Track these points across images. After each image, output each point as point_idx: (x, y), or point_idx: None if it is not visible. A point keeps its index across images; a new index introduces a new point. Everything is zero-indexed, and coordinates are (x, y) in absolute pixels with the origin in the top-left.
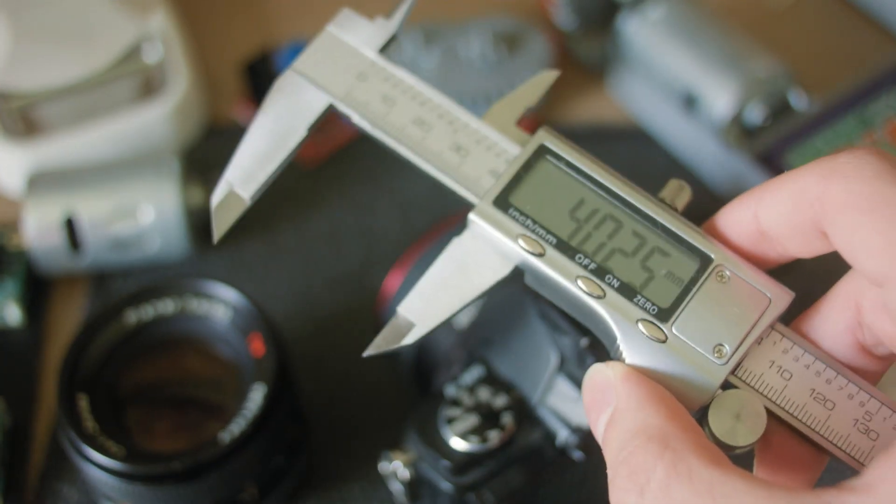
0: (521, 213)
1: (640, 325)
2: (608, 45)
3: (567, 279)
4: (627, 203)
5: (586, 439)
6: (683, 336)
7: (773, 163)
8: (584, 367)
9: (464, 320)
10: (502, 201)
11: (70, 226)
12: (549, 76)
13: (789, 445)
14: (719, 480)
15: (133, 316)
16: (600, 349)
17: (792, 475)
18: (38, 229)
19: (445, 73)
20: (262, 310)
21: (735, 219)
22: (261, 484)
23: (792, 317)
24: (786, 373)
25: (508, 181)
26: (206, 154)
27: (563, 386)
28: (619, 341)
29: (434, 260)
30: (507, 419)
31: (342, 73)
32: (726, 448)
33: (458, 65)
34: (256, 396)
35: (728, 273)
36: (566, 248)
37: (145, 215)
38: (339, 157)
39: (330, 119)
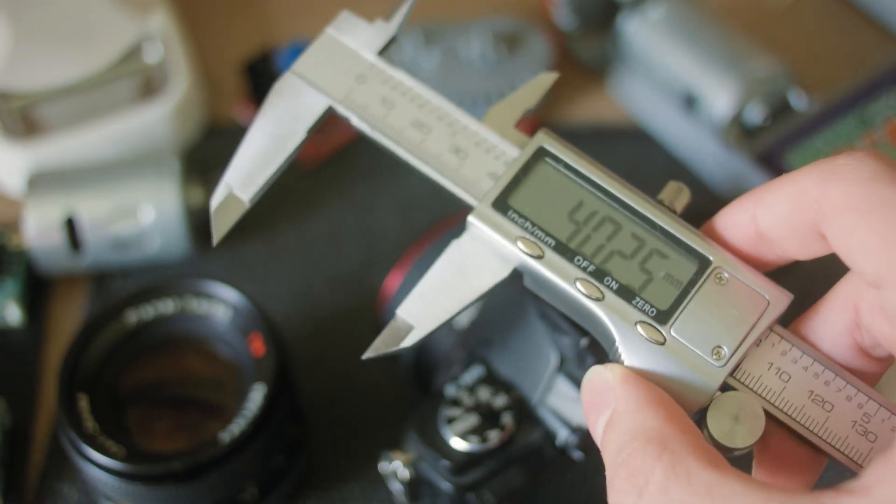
0: (520, 216)
1: (639, 328)
2: (608, 45)
3: (566, 281)
4: (626, 205)
5: (586, 439)
6: (682, 338)
7: (772, 163)
8: (583, 367)
9: (464, 320)
10: (501, 203)
11: (70, 226)
12: (548, 78)
13: (788, 447)
14: (717, 482)
15: (133, 316)
16: (600, 349)
17: (790, 477)
18: (39, 229)
19: (445, 74)
20: (262, 310)
21: (733, 221)
22: (261, 484)
23: (790, 319)
24: (784, 374)
25: (507, 183)
26: (206, 154)
27: (562, 386)
28: (617, 343)
29: (434, 261)
30: (507, 419)
31: (341, 76)
32: (725, 450)
33: (458, 65)
34: (256, 396)
35: (726, 275)
36: (565, 251)
37: (145, 215)
38: (339, 157)
39: (330, 119)
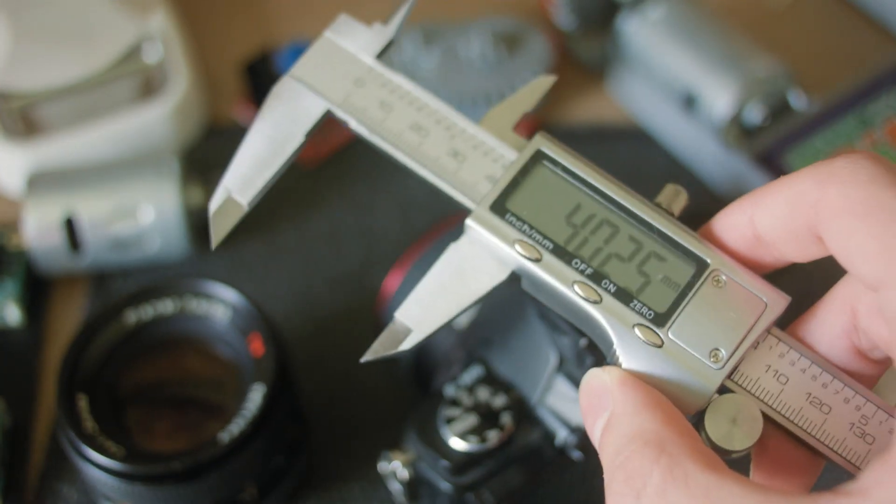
0: (518, 219)
1: (637, 330)
2: (608, 45)
3: (564, 284)
4: (624, 208)
5: (585, 439)
6: (680, 340)
7: (772, 163)
8: (583, 367)
9: (463, 320)
10: (499, 207)
11: (70, 226)
12: (546, 81)
13: (786, 449)
14: (715, 485)
15: (133, 316)
16: (599, 349)
17: (788, 479)
18: (38, 229)
19: (445, 74)
20: (262, 310)
21: (731, 223)
22: (261, 484)
23: (788, 321)
24: (782, 377)
25: (505, 186)
26: (206, 154)
27: (562, 386)
28: (615, 346)
29: (433, 261)
30: (507, 419)
31: (340, 79)
32: (723, 452)
33: (457, 65)
34: (256, 396)
35: (724, 277)
36: (563, 254)
37: (145, 215)
38: (339, 157)
39: (330, 120)
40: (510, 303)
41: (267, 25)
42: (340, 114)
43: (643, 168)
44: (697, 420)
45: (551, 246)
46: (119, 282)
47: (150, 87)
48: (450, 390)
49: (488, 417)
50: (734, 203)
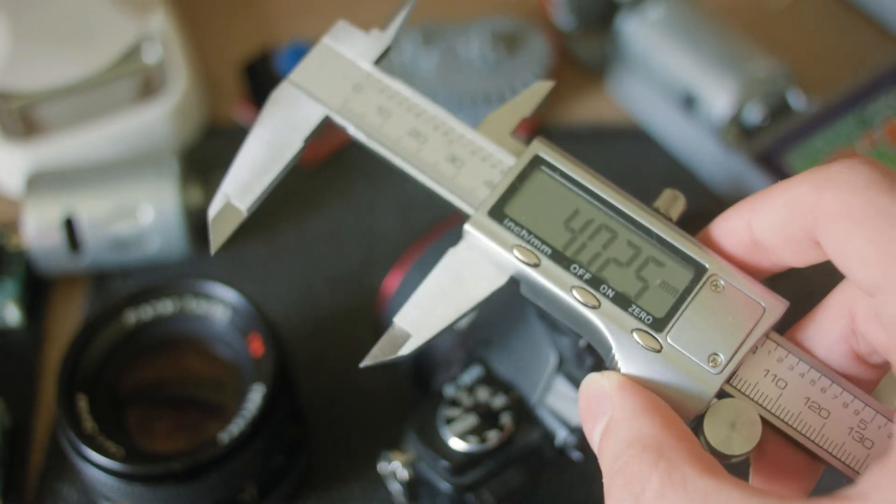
0: (517, 224)
1: (635, 335)
2: (607, 45)
3: (562, 289)
4: (622, 213)
5: (585, 439)
6: (678, 345)
7: (772, 163)
8: (582, 368)
9: (463, 321)
10: (497, 212)
11: (70, 226)
12: (544, 86)
13: (785, 454)
14: (714, 489)
15: (132, 316)
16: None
17: (787, 484)
18: (38, 229)
19: (445, 74)
20: (262, 310)
21: (729, 228)
22: (261, 484)
23: (787, 326)
24: (781, 382)
25: (503, 192)
26: (205, 154)
27: (561, 386)
28: (614, 351)
29: (433, 261)
30: (506, 419)
31: (338, 85)
32: (722, 457)
33: (457, 65)
34: (255, 397)
35: (722, 282)
36: (561, 259)
37: (145, 215)
38: (339, 157)
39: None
40: (510, 303)
41: (267, 25)
42: (339, 120)
43: (643, 168)
44: (696, 425)
45: (550, 251)
46: (119, 282)
47: (149, 87)
48: (449, 390)
49: (488, 418)
50: (732, 208)
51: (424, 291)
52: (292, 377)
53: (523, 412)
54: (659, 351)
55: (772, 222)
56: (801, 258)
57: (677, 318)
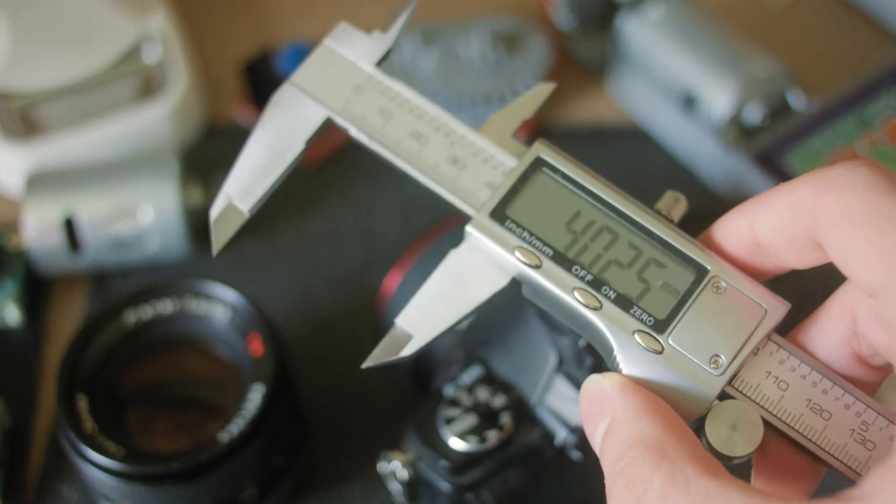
0: (518, 226)
1: (637, 336)
2: (607, 45)
3: (564, 291)
4: (623, 215)
5: (585, 439)
6: (680, 347)
7: (771, 163)
8: (582, 367)
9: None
10: (499, 213)
11: (70, 226)
12: (545, 88)
13: (786, 456)
14: (716, 490)
15: (132, 316)
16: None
17: (789, 485)
18: (38, 229)
19: (445, 74)
20: (261, 310)
21: (731, 230)
22: (260, 484)
23: (788, 328)
24: (782, 383)
25: (505, 193)
26: (205, 154)
27: (561, 386)
28: (615, 352)
29: (433, 262)
30: (506, 419)
31: (340, 87)
32: (723, 458)
33: (457, 65)
34: (255, 397)
35: (724, 284)
36: (563, 260)
37: (144, 215)
38: (339, 158)
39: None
40: (510, 303)
41: (267, 25)
42: (340, 121)
43: (643, 168)
44: (698, 426)
45: (551, 253)
46: (119, 282)
47: (149, 87)
48: (449, 390)
49: (488, 417)
50: (733, 210)
51: (426, 293)
52: (292, 377)
53: (523, 412)
54: (660, 352)
55: (773, 224)
56: (802, 260)
57: (679, 320)
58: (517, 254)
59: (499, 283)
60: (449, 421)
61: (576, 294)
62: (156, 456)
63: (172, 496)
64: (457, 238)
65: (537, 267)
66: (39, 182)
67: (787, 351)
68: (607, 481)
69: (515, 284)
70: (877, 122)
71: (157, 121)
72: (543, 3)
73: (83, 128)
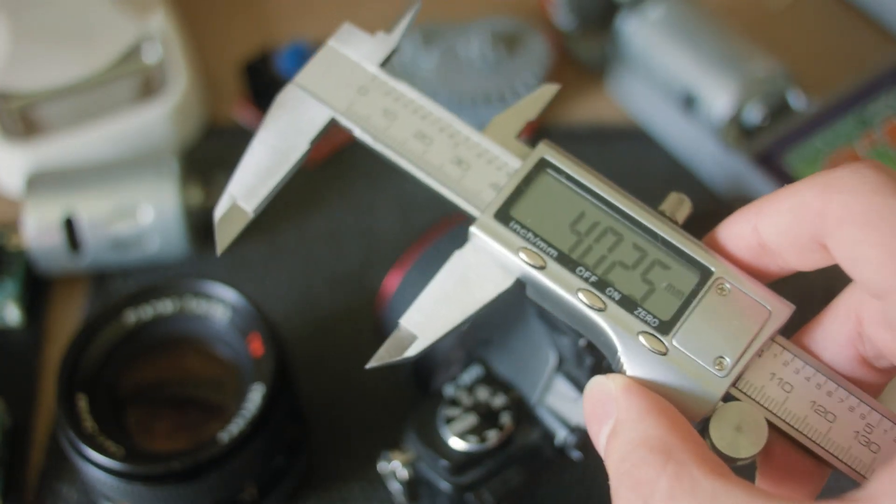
0: (522, 227)
1: (641, 338)
2: (607, 45)
3: (568, 292)
4: (628, 216)
5: (585, 439)
6: (684, 348)
7: (771, 163)
8: (582, 367)
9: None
10: (503, 214)
11: (70, 226)
12: (549, 90)
13: (791, 457)
14: (723, 491)
15: (132, 316)
16: (598, 349)
17: (794, 487)
18: (38, 229)
19: (445, 74)
20: (261, 310)
21: (735, 232)
22: (261, 484)
23: (793, 330)
24: (787, 385)
25: (509, 194)
26: (205, 154)
27: (561, 386)
28: (619, 353)
29: (433, 262)
30: (506, 419)
31: (344, 88)
32: (728, 460)
33: (457, 65)
34: (255, 396)
35: (728, 286)
36: (567, 261)
37: (144, 215)
38: (339, 157)
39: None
40: (510, 303)
41: (267, 25)
42: (345, 122)
43: (643, 168)
44: (702, 428)
45: (556, 254)
46: (119, 282)
47: (149, 87)
48: (449, 390)
49: (488, 417)
50: (738, 212)
51: (430, 294)
52: (292, 377)
53: (523, 412)
54: (665, 354)
55: (778, 226)
56: (807, 262)
57: (683, 321)
58: (521, 255)
59: (503, 284)
60: (449, 421)
61: (580, 295)
62: (156, 456)
63: (172, 496)
64: (457, 238)
65: (542, 268)
66: (39, 182)
67: (791, 353)
68: (612, 482)
69: (519, 285)
70: (877, 122)
71: (157, 121)
72: (543, 3)
73: (83, 128)
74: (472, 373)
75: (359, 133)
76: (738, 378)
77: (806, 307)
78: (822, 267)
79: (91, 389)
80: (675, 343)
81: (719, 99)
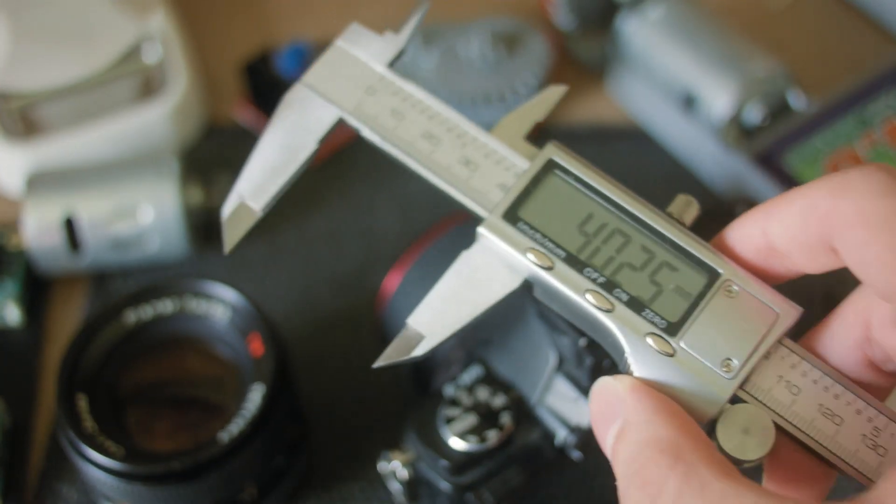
0: (531, 227)
1: (649, 339)
2: (607, 45)
3: (576, 292)
4: (636, 217)
5: (585, 439)
6: (692, 350)
7: (771, 163)
8: (582, 367)
9: None
10: (511, 215)
11: (70, 226)
12: (557, 91)
13: (798, 460)
14: (731, 492)
15: (132, 316)
16: (599, 349)
17: (801, 489)
18: (38, 229)
19: (445, 74)
20: (261, 310)
21: (744, 234)
22: (261, 484)
23: (800, 332)
24: (794, 388)
25: (517, 195)
26: (205, 154)
27: (561, 385)
28: (627, 354)
29: (433, 262)
30: (506, 419)
31: (351, 87)
32: (735, 462)
33: (457, 65)
34: (255, 396)
35: (736, 288)
36: (575, 262)
37: (145, 215)
38: (339, 157)
39: None
40: (510, 303)
41: (267, 25)
42: (353, 122)
43: (643, 168)
44: (709, 430)
45: (563, 254)
46: (119, 282)
47: (149, 87)
48: (449, 390)
49: (488, 417)
50: (747, 214)
51: (437, 293)
52: (292, 377)
53: (523, 412)
54: (672, 355)
55: (787, 228)
56: (816, 264)
57: (691, 323)
58: (529, 255)
59: (511, 284)
60: (449, 421)
61: (588, 296)
62: (156, 456)
63: (172, 496)
64: (457, 238)
65: (550, 268)
66: (39, 182)
67: (798, 355)
68: (620, 483)
69: (527, 286)
70: (877, 122)
71: (157, 121)
72: (543, 3)
73: (83, 128)
74: (472, 373)
75: (367, 133)
76: (746, 380)
77: (806, 309)
78: (831, 269)
79: (91, 389)
80: (682, 345)
81: (719, 99)
